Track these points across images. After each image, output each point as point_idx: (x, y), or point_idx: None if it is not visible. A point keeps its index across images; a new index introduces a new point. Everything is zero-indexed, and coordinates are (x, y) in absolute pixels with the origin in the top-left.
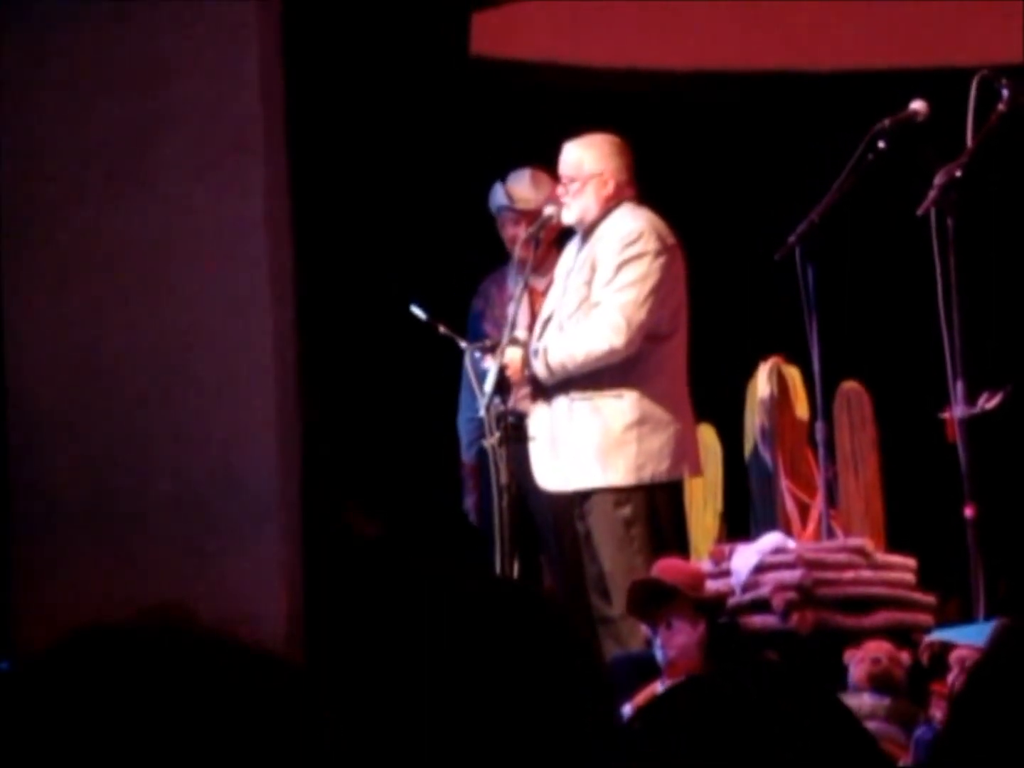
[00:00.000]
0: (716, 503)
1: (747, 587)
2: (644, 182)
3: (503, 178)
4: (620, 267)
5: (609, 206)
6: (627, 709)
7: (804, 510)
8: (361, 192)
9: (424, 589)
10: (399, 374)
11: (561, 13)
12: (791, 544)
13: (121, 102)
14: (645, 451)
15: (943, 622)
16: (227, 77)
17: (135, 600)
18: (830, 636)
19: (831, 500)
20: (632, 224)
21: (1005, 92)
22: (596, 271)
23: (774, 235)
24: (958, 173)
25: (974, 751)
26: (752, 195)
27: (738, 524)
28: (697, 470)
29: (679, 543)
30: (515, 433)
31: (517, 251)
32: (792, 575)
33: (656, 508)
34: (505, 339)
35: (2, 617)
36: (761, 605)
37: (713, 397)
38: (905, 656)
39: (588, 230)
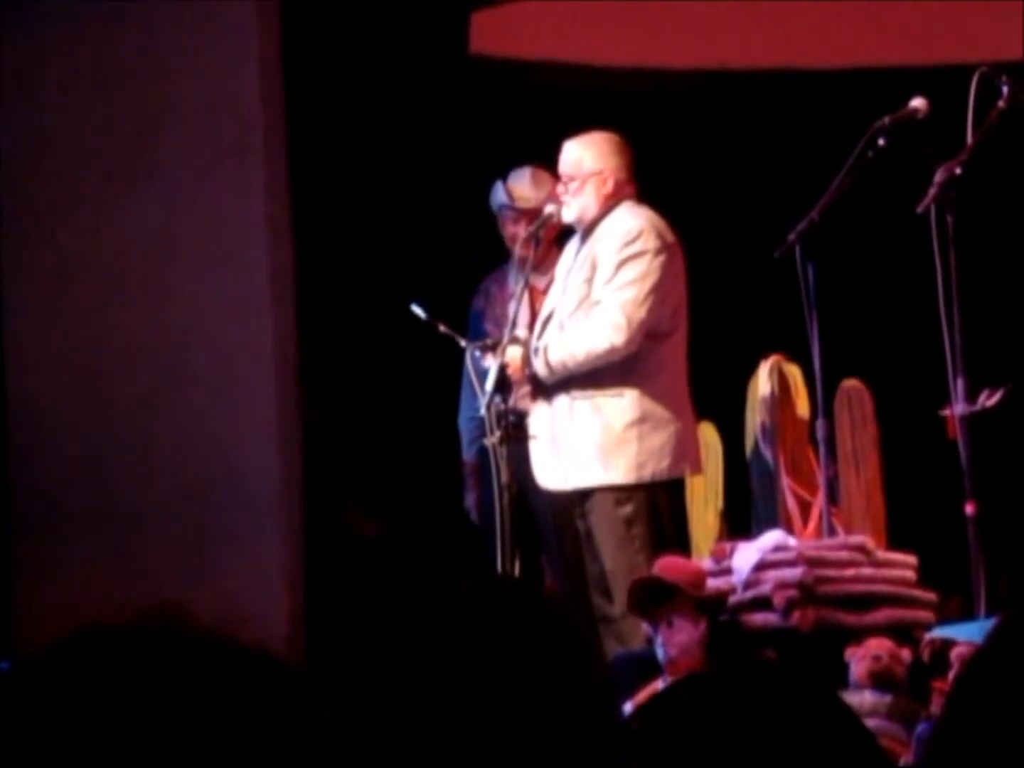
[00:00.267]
0: (717, 501)
1: (748, 585)
2: (644, 180)
3: (504, 177)
4: (620, 265)
5: (609, 204)
6: (629, 708)
7: (805, 508)
8: (361, 192)
9: (424, 589)
10: (399, 373)
11: (561, 12)
12: (792, 542)
13: (121, 102)
14: (646, 449)
15: (944, 619)
16: (227, 77)
17: (135, 600)
18: (831, 634)
19: (832, 498)
20: (632, 222)
21: (1005, 89)
22: (596, 269)
23: (774, 233)
24: (958, 170)
25: (969, 744)
26: (752, 193)
27: (739, 522)
28: (698, 468)
29: (680, 541)
30: (516, 432)
31: (518, 250)
32: (793, 573)
33: (657, 506)
34: (506, 338)
35: (2, 617)
36: (762, 603)
37: (714, 395)
38: (906, 653)
39: (588, 228)
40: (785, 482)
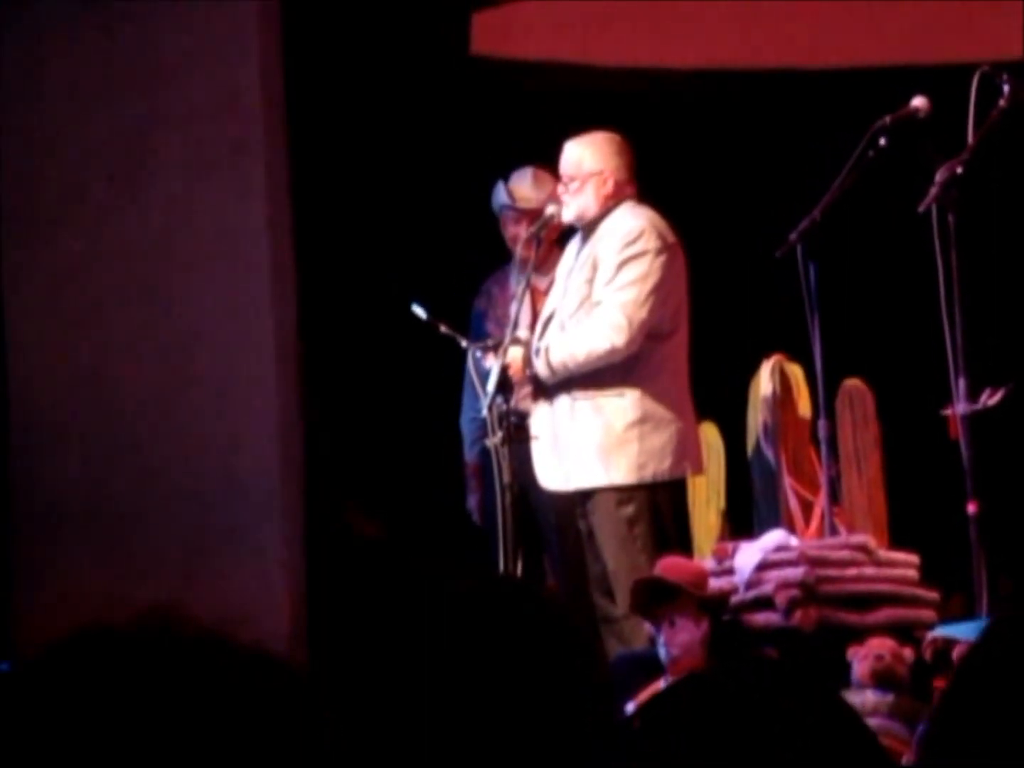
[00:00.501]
0: (719, 501)
1: (750, 585)
2: (645, 181)
3: (505, 177)
4: (621, 266)
5: (609, 205)
6: (631, 707)
7: (807, 507)
8: (362, 192)
9: (425, 589)
10: (400, 374)
11: (561, 12)
12: (794, 541)
13: (122, 103)
14: (647, 450)
15: (946, 618)
16: (228, 79)
17: (135, 600)
18: (833, 633)
19: (834, 497)
20: (633, 223)
21: (1006, 88)
22: (597, 270)
23: (775, 233)
24: (959, 170)
25: (962, 741)
26: (753, 193)
27: (741, 522)
28: (699, 468)
29: (682, 541)
30: (517, 433)
31: (519, 250)
32: (795, 572)
33: (659, 507)
34: (507, 338)
35: (2, 617)
36: (764, 603)
37: (715, 395)
38: (908, 653)
39: (589, 229)
40: (787, 482)
